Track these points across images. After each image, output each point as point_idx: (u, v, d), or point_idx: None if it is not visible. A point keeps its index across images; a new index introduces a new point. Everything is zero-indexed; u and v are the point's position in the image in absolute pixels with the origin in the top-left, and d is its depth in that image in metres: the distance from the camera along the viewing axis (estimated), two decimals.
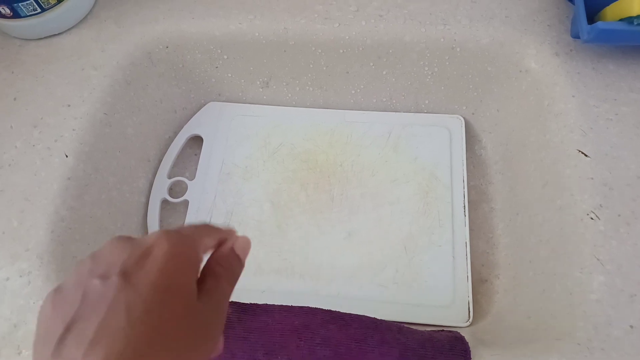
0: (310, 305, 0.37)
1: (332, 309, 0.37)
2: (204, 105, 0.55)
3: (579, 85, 0.43)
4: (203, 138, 0.53)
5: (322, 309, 0.36)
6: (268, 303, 0.37)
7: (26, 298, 0.37)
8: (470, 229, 0.47)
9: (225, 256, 0.26)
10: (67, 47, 0.48)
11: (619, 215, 0.37)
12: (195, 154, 0.53)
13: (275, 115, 0.54)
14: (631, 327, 0.34)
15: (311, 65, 0.51)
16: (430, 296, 0.44)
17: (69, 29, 0.49)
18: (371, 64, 0.50)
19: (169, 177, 0.51)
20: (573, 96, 0.42)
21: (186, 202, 0.49)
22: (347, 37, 0.48)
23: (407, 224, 0.47)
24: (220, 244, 0.27)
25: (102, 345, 0.18)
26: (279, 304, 0.37)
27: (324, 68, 0.51)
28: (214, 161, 0.51)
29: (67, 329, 0.19)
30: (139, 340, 0.19)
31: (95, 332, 0.19)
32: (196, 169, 0.51)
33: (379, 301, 0.44)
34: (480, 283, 0.46)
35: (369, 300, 0.44)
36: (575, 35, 0.44)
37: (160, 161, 0.52)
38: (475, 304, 0.44)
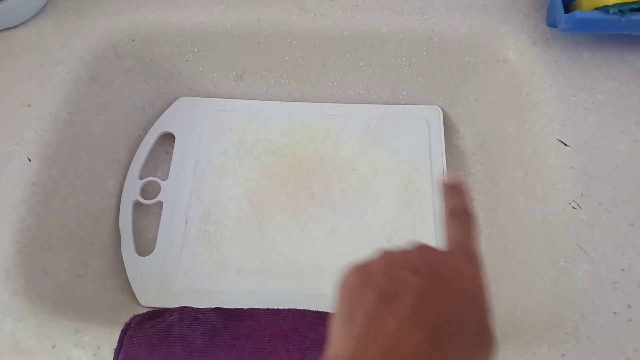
0: (295, 307, 0.36)
1: (320, 310, 0.36)
2: (175, 100, 0.52)
3: (556, 74, 0.43)
4: (175, 135, 0.50)
5: (310, 311, 0.35)
6: (253, 307, 0.36)
7: None
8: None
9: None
10: (24, 41, 0.45)
11: (600, 204, 0.38)
12: (167, 152, 0.51)
13: (250, 110, 0.52)
14: (615, 313, 0.34)
15: (286, 57, 0.49)
16: None
17: (25, 22, 0.46)
18: (348, 56, 0.49)
19: (141, 178, 0.48)
20: (551, 85, 0.43)
21: (160, 203, 0.47)
22: (323, 28, 0.47)
23: (390, 218, 0.46)
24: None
25: (414, 325, 0.20)
26: (264, 307, 0.36)
27: (300, 60, 0.49)
28: (188, 159, 0.49)
29: (383, 301, 0.21)
30: (442, 333, 0.21)
31: (409, 311, 0.21)
32: (169, 168, 0.49)
33: None
34: None
35: None
36: (552, 24, 0.44)
37: (130, 161, 0.49)
38: None
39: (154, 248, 0.45)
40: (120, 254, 0.45)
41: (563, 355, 0.33)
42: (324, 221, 0.46)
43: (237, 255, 0.45)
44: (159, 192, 0.48)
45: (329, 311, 0.36)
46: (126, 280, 0.44)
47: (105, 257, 0.44)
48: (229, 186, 0.48)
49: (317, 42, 0.48)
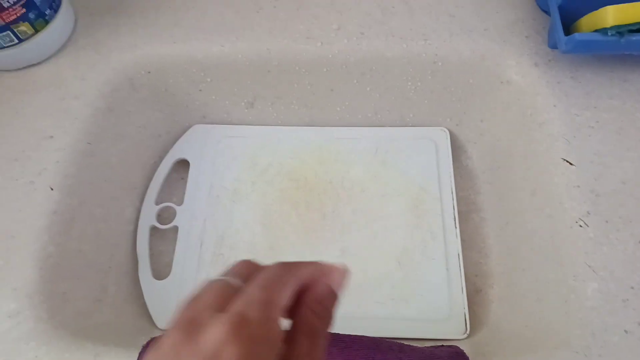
0: None
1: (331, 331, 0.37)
2: (189, 128, 0.54)
3: (559, 94, 0.44)
4: (189, 162, 0.52)
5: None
6: None
7: (16, 341, 0.35)
8: (462, 240, 0.48)
9: (320, 301, 0.22)
10: (45, 77, 0.47)
11: (607, 222, 0.38)
12: (182, 178, 0.53)
13: (261, 135, 0.53)
14: (626, 332, 0.34)
15: (295, 85, 0.51)
16: (427, 310, 0.44)
17: (46, 59, 0.48)
18: (355, 81, 0.50)
19: (157, 204, 0.50)
20: (555, 105, 0.43)
21: (176, 228, 0.49)
22: (330, 56, 0.48)
23: (400, 239, 0.47)
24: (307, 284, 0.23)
25: None
26: None
27: (309, 87, 0.51)
28: (202, 185, 0.51)
29: None
30: None
31: None
32: (184, 193, 0.51)
33: (377, 318, 0.44)
34: (474, 293, 0.46)
35: (367, 318, 0.44)
36: (553, 46, 0.45)
37: (146, 188, 0.51)
38: (471, 314, 0.44)
39: (170, 272, 0.46)
40: (138, 278, 0.46)
41: None
42: (335, 242, 0.47)
43: None
44: (174, 217, 0.49)
45: (340, 333, 0.36)
46: (144, 304, 0.45)
47: (124, 282, 0.46)
48: (242, 211, 0.49)
49: (325, 70, 0.49)
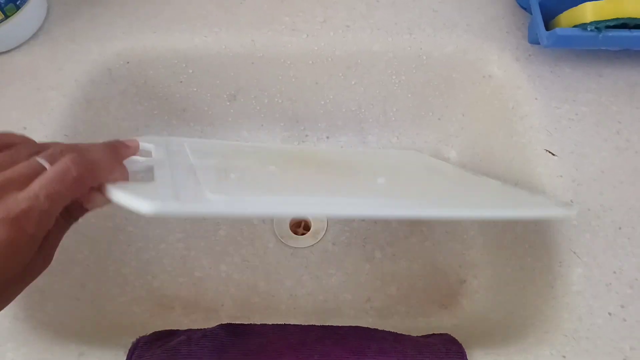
0: None
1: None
2: (168, 121, 0.53)
3: (540, 88, 0.45)
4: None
5: (316, 326, 0.36)
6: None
7: None
8: (445, 232, 0.48)
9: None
10: (19, 66, 0.45)
11: (589, 210, 0.39)
12: None
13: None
14: (610, 314, 0.36)
15: (280, 77, 0.50)
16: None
17: (18, 47, 0.46)
18: (340, 75, 0.50)
19: None
20: (536, 99, 0.45)
21: None
22: (316, 48, 0.48)
23: None
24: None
25: None
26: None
27: (293, 80, 0.51)
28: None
29: None
30: None
31: None
32: None
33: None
34: (459, 284, 0.47)
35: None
36: (533, 41, 0.47)
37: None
38: (456, 305, 0.45)
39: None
40: (119, 277, 0.45)
41: (564, 356, 0.34)
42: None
43: None
44: None
45: (334, 325, 0.36)
46: (127, 302, 0.44)
47: (102, 280, 0.44)
48: None
49: (310, 62, 0.49)
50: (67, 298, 0.40)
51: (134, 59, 0.48)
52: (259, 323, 0.36)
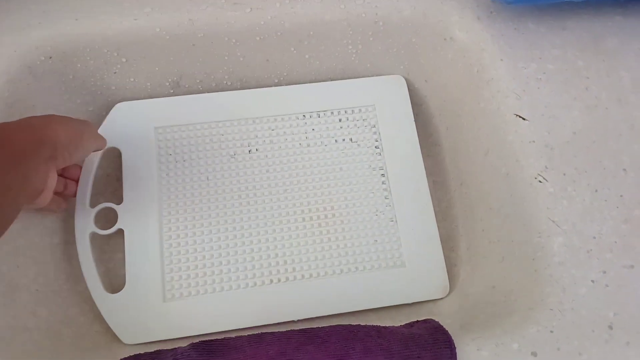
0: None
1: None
2: (105, 117, 0.47)
3: (505, 48, 0.43)
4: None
5: (295, 331, 0.33)
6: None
7: None
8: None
9: None
10: None
11: (565, 174, 0.38)
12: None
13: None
14: (592, 281, 0.35)
15: (226, 57, 0.46)
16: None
17: None
18: (292, 49, 0.46)
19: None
20: (501, 60, 0.42)
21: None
22: (262, 23, 0.44)
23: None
24: None
25: None
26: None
27: (241, 59, 0.46)
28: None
29: None
30: None
31: None
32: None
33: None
34: None
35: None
36: None
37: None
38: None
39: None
40: (74, 296, 0.40)
41: (552, 332, 0.33)
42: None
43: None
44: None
45: (314, 327, 0.34)
46: (102, 321, 0.40)
47: (56, 303, 0.40)
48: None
49: (258, 38, 0.44)
50: (15, 330, 0.36)
51: (56, 52, 0.42)
52: (233, 336, 0.33)
